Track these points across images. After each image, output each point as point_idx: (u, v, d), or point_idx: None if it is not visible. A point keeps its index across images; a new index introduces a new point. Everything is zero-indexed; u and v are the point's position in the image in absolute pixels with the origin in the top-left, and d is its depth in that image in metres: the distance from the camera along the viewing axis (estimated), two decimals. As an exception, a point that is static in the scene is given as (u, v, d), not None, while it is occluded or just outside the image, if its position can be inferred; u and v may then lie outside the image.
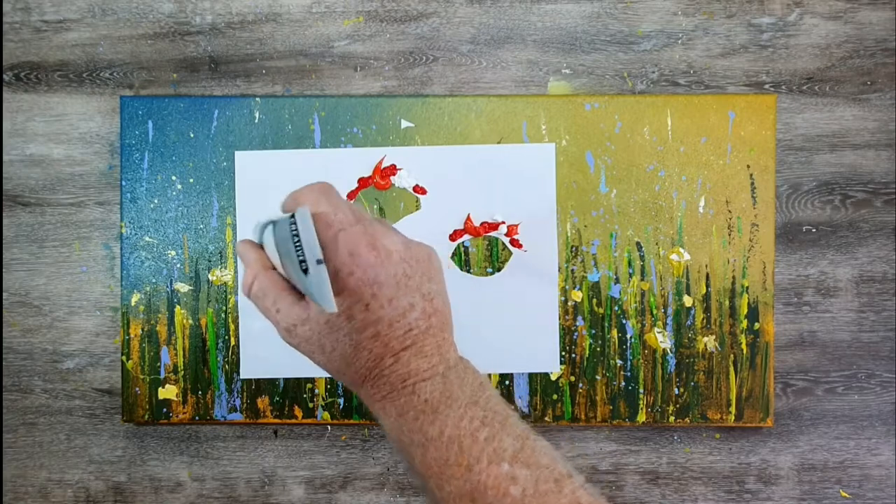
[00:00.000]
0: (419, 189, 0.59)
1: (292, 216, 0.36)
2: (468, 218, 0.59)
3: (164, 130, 0.59)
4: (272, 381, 0.59)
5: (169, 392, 0.59)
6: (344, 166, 0.59)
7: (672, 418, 0.59)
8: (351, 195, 0.59)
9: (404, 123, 0.59)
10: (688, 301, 0.59)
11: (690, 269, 0.59)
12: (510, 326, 0.59)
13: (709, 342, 0.59)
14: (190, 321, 0.59)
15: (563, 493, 0.34)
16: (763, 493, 0.60)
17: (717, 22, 0.60)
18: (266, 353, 0.59)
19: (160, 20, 0.60)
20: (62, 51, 0.60)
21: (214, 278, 0.59)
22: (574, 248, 0.59)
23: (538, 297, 0.59)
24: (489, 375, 0.59)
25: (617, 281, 0.59)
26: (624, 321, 0.59)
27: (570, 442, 0.60)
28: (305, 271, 0.35)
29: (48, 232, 0.60)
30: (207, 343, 0.59)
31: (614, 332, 0.59)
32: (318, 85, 0.60)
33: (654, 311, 0.59)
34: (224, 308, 0.59)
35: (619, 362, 0.59)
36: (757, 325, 0.59)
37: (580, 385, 0.59)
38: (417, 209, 0.59)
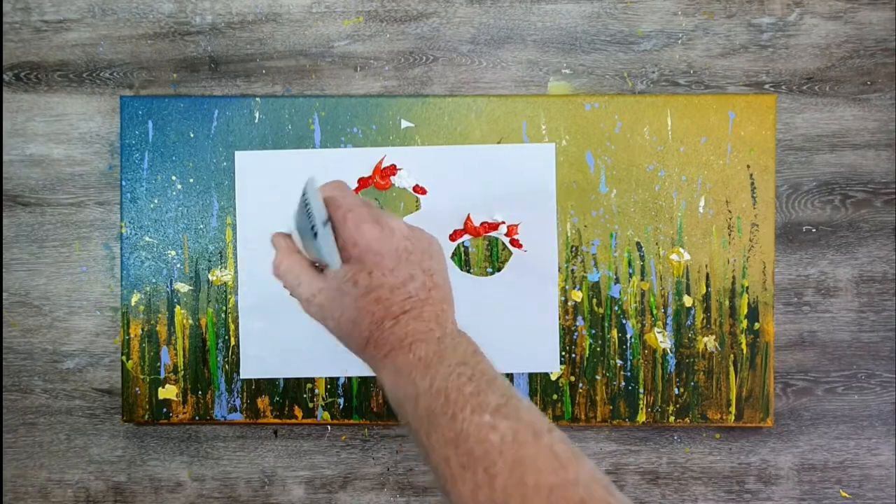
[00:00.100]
0: (419, 189, 0.59)
1: (304, 192, 0.40)
2: (468, 218, 0.59)
3: (164, 130, 0.59)
4: (272, 381, 0.59)
5: (169, 392, 0.59)
6: (344, 166, 0.59)
7: (672, 418, 0.59)
8: (351, 195, 0.59)
9: (404, 123, 0.59)
10: (688, 301, 0.59)
11: (690, 269, 0.59)
12: (510, 326, 0.59)
13: (709, 342, 0.59)
14: (190, 321, 0.59)
15: (541, 444, 0.35)
16: (763, 493, 0.60)
17: (717, 22, 0.60)
18: (266, 353, 0.59)
19: (160, 20, 0.60)
20: (62, 51, 0.60)
21: (214, 278, 0.59)
22: (574, 248, 0.59)
23: (538, 297, 0.59)
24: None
25: (617, 281, 0.59)
26: (624, 321, 0.59)
27: (570, 442, 0.60)
28: (315, 235, 0.40)
29: (48, 232, 0.60)
30: (207, 343, 0.59)
31: (614, 332, 0.59)
32: (318, 85, 0.60)
33: (654, 311, 0.59)
34: (224, 308, 0.59)
35: (619, 362, 0.59)
36: (757, 325, 0.59)
37: (580, 385, 0.59)
38: (417, 209, 0.59)
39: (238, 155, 0.59)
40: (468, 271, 0.59)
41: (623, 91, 0.60)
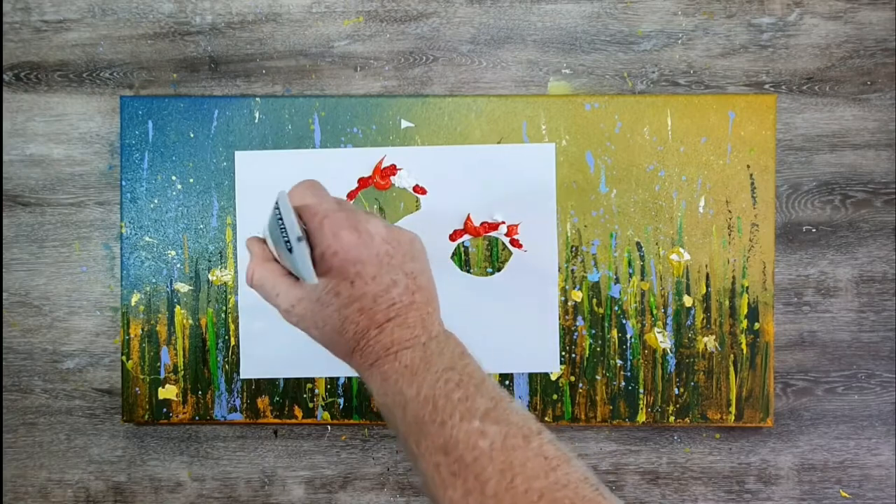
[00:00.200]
0: (419, 189, 0.59)
1: (276, 205, 0.39)
2: (468, 218, 0.59)
3: (164, 130, 0.59)
4: (272, 381, 0.59)
5: (169, 392, 0.59)
6: (344, 166, 0.59)
7: (672, 418, 0.59)
8: (351, 195, 0.59)
9: (404, 123, 0.59)
10: (688, 301, 0.59)
11: (690, 269, 0.59)
12: (510, 326, 0.59)
13: (709, 342, 0.59)
14: (190, 321, 0.59)
15: (531, 447, 0.35)
16: (763, 493, 0.60)
17: (717, 22, 0.60)
18: (266, 353, 0.59)
19: (160, 20, 0.60)
20: (62, 51, 0.60)
21: (214, 278, 0.59)
22: (574, 248, 0.59)
23: (538, 297, 0.59)
24: (489, 375, 0.59)
25: (617, 281, 0.59)
26: (624, 321, 0.59)
27: (570, 442, 0.60)
28: (290, 250, 0.38)
29: (48, 232, 0.60)
30: (207, 343, 0.59)
31: (614, 332, 0.59)
32: (318, 85, 0.60)
33: (654, 311, 0.59)
34: (224, 308, 0.59)
35: (619, 362, 0.59)
36: (757, 325, 0.59)
37: (580, 385, 0.59)
38: (417, 209, 0.59)
39: (238, 155, 0.59)
40: (468, 271, 0.59)
41: (623, 91, 0.60)
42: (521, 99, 0.59)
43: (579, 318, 0.59)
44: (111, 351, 0.60)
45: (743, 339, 0.59)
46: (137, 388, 0.59)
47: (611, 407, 0.59)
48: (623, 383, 0.59)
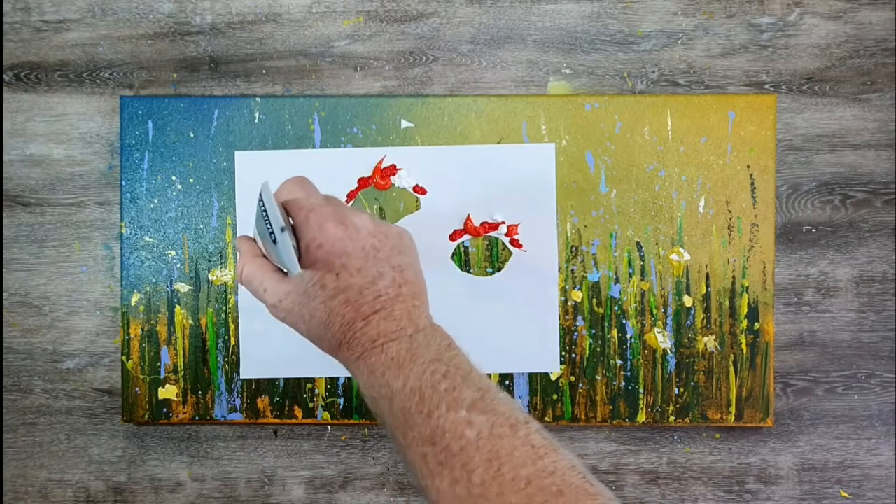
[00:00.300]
0: (419, 189, 0.59)
1: (260, 197, 0.39)
2: (468, 218, 0.59)
3: (164, 130, 0.59)
4: (272, 381, 0.59)
5: (169, 392, 0.59)
6: (344, 166, 0.59)
7: (672, 418, 0.59)
8: (351, 195, 0.59)
9: (404, 123, 0.59)
10: (688, 301, 0.59)
11: (690, 269, 0.59)
12: (510, 326, 0.59)
13: (709, 342, 0.59)
14: (190, 321, 0.59)
15: (518, 437, 0.36)
16: (763, 493, 0.60)
17: (717, 22, 0.60)
18: (266, 353, 0.59)
19: (160, 20, 0.60)
20: (62, 51, 0.60)
21: (214, 278, 0.59)
22: (574, 248, 0.59)
23: (538, 297, 0.59)
24: (489, 375, 0.59)
25: (617, 281, 0.59)
26: (624, 321, 0.59)
27: (570, 442, 0.60)
28: (275, 241, 0.38)
29: (48, 232, 0.60)
30: (207, 343, 0.59)
31: (614, 332, 0.59)
32: (318, 85, 0.60)
33: (654, 311, 0.59)
34: (224, 308, 0.59)
35: (619, 362, 0.59)
36: (757, 325, 0.59)
37: (580, 385, 0.59)
38: (417, 209, 0.59)
39: (238, 155, 0.59)
40: (468, 271, 0.59)
41: (623, 91, 0.60)
42: (521, 99, 0.59)
43: (579, 318, 0.59)
44: (111, 351, 0.60)
45: (743, 339, 0.59)
46: (137, 388, 0.59)
47: (611, 407, 0.59)
48: (623, 383, 0.59)
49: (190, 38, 0.60)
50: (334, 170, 0.59)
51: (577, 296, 0.59)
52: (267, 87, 0.60)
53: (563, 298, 0.59)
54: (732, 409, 0.59)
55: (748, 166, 0.59)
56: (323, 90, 0.60)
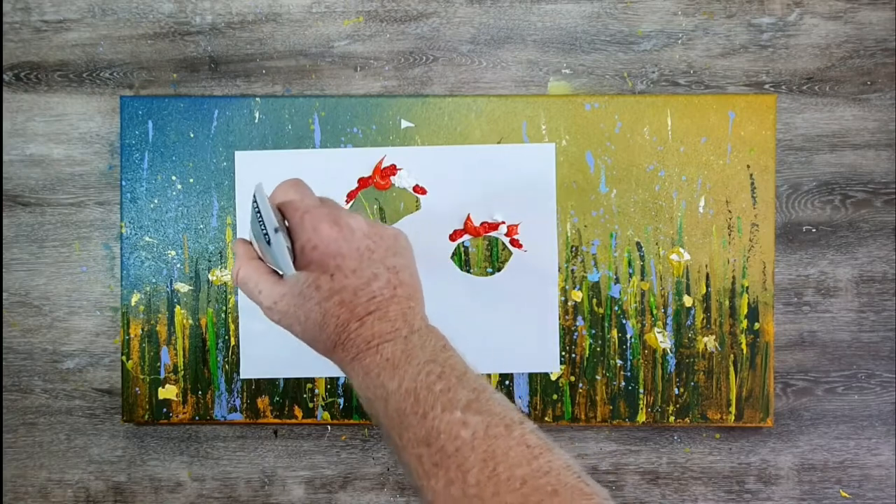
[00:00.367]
0: (419, 189, 0.59)
1: (254, 198, 0.39)
2: (468, 218, 0.59)
3: (164, 130, 0.59)
4: (272, 381, 0.59)
5: (169, 392, 0.59)
6: (344, 166, 0.59)
7: (672, 418, 0.59)
8: (351, 195, 0.59)
9: (404, 123, 0.59)
10: (688, 301, 0.59)
11: (690, 269, 0.59)
12: (510, 326, 0.59)
13: (709, 342, 0.59)
14: (190, 321, 0.59)
15: (513, 436, 0.35)
16: (763, 493, 0.60)
17: (717, 22, 0.60)
18: (266, 353, 0.59)
19: (160, 20, 0.60)
20: (62, 51, 0.60)
21: (214, 278, 0.59)
22: (574, 248, 0.59)
23: (538, 297, 0.59)
24: (489, 375, 0.59)
25: (617, 281, 0.59)
26: (624, 321, 0.59)
27: (570, 442, 0.60)
28: (269, 242, 0.39)
29: (48, 232, 0.60)
30: (207, 343, 0.59)
31: (614, 332, 0.59)
32: (318, 85, 0.60)
33: (654, 311, 0.59)
34: (224, 308, 0.59)
35: (619, 362, 0.59)
36: (757, 325, 0.59)
37: (580, 385, 0.59)
38: (417, 209, 0.59)
39: (238, 155, 0.59)
40: (468, 271, 0.59)
41: (623, 91, 0.60)
42: (521, 99, 0.59)
43: (579, 318, 0.59)
44: (111, 351, 0.60)
45: (743, 339, 0.59)
46: (137, 388, 0.59)
47: (611, 407, 0.59)
48: (623, 383, 0.59)
49: (190, 38, 0.60)
50: (334, 170, 0.59)
51: (577, 296, 0.59)
52: (267, 87, 0.60)
53: (563, 298, 0.59)
54: (732, 409, 0.59)
55: (748, 166, 0.59)
56: (323, 90, 0.60)
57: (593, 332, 0.59)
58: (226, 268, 0.59)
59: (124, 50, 0.60)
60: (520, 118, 0.59)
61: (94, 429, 0.61)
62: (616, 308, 0.59)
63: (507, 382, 0.59)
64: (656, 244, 0.59)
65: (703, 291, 0.59)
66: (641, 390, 0.59)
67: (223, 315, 0.59)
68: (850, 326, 0.60)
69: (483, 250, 0.59)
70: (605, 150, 0.59)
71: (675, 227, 0.59)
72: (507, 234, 0.59)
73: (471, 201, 0.59)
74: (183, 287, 0.59)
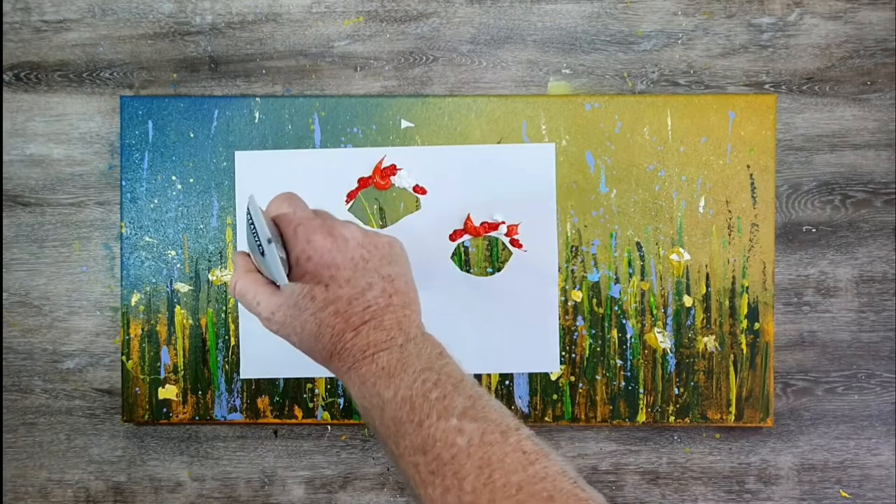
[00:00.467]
0: (419, 189, 0.59)
1: (248, 210, 0.40)
2: (468, 218, 0.59)
3: (164, 130, 0.59)
4: (272, 381, 0.59)
5: (169, 392, 0.59)
6: (344, 166, 0.59)
7: (672, 418, 0.59)
8: (351, 195, 0.59)
9: (404, 123, 0.59)
10: (688, 301, 0.59)
11: (690, 269, 0.59)
12: (510, 326, 0.59)
13: (709, 342, 0.59)
14: (190, 321, 0.59)
15: (508, 443, 0.36)
16: (763, 493, 0.60)
17: (717, 22, 0.60)
18: (266, 353, 0.59)
19: (160, 20, 0.60)
20: (62, 51, 0.60)
21: (214, 278, 0.59)
22: (574, 248, 0.59)
23: (538, 297, 0.59)
24: (489, 375, 0.59)
25: (617, 281, 0.59)
26: (624, 321, 0.59)
27: (570, 442, 0.60)
28: (263, 253, 0.39)
29: (48, 232, 0.60)
30: (207, 343, 0.59)
31: (614, 332, 0.59)
32: (318, 85, 0.60)
33: (654, 311, 0.59)
34: (224, 308, 0.59)
35: (619, 362, 0.59)
36: (757, 325, 0.59)
37: (580, 385, 0.59)
38: (417, 209, 0.59)
39: (238, 155, 0.59)
40: (468, 271, 0.59)
41: (623, 91, 0.60)
42: (521, 99, 0.59)
43: (579, 318, 0.59)
44: (111, 351, 0.60)
45: (743, 339, 0.59)
46: (137, 388, 0.59)
47: (611, 407, 0.59)
48: (623, 383, 0.59)
49: (190, 38, 0.60)
50: (334, 170, 0.59)
51: (577, 296, 0.59)
52: (267, 87, 0.60)
53: (563, 298, 0.59)
54: (732, 409, 0.59)
55: (748, 166, 0.59)
56: (323, 90, 0.60)
57: (593, 332, 0.59)
58: (226, 268, 0.59)
59: (124, 50, 0.60)
60: (520, 118, 0.59)
61: (94, 429, 0.61)
62: (616, 308, 0.59)
63: (507, 382, 0.59)
64: (656, 244, 0.59)
65: (703, 291, 0.59)
66: (641, 390, 0.59)
67: (223, 315, 0.59)
68: (850, 326, 0.60)
69: (483, 250, 0.59)
70: (605, 150, 0.59)
71: (675, 227, 0.59)
72: (507, 234, 0.59)
73: (471, 201, 0.59)
74: (183, 287, 0.59)
